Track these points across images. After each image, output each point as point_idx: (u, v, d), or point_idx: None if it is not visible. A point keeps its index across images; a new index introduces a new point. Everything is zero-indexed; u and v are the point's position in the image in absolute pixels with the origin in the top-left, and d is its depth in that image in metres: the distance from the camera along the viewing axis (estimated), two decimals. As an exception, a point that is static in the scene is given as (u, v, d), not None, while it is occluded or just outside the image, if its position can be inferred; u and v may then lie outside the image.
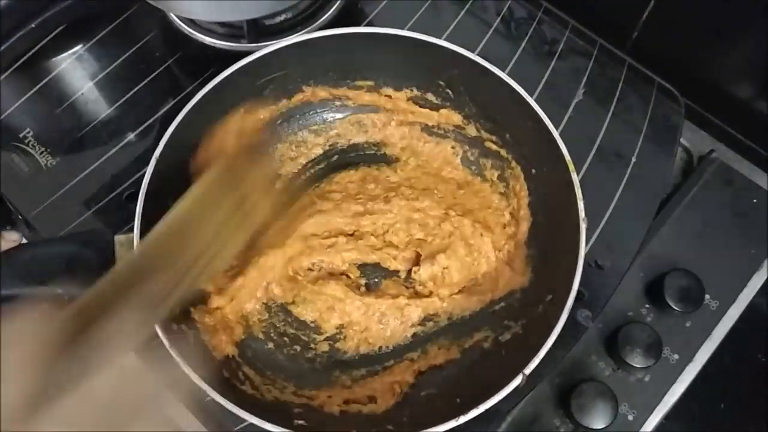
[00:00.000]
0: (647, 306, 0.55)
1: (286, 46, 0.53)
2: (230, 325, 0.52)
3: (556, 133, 0.50)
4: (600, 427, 0.49)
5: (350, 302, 0.53)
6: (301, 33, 0.65)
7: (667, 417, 0.52)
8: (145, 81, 0.64)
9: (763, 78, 0.62)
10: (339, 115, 0.61)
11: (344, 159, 0.61)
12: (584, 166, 0.59)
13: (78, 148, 0.61)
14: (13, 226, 0.60)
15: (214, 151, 0.49)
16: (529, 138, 0.53)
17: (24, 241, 0.56)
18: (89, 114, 0.63)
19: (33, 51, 0.66)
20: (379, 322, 0.54)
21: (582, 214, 0.47)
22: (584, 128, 0.61)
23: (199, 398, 0.49)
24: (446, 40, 0.53)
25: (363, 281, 0.56)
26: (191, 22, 0.67)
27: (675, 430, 0.53)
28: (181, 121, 0.50)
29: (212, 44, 0.66)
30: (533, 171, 0.55)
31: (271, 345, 0.53)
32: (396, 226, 0.56)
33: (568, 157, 0.49)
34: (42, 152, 0.60)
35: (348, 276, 0.55)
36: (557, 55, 0.66)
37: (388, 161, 0.61)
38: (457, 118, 0.59)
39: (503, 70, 0.52)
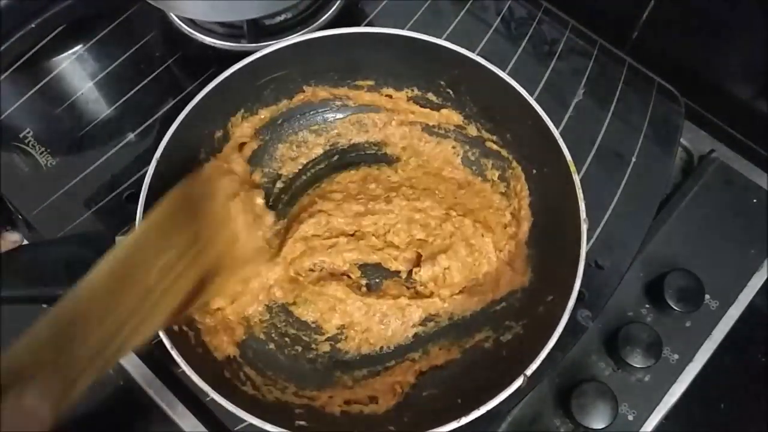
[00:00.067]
0: (647, 306, 0.55)
1: (287, 46, 0.53)
2: (231, 325, 0.52)
3: (556, 133, 0.50)
4: (600, 427, 0.49)
5: (351, 303, 0.53)
6: (301, 33, 0.65)
7: (667, 417, 0.52)
8: (145, 81, 0.64)
9: (763, 78, 0.62)
10: (340, 115, 0.61)
11: (345, 159, 0.61)
12: (584, 166, 0.59)
13: (78, 148, 0.61)
14: (13, 226, 0.60)
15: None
16: (529, 138, 0.53)
17: (24, 241, 0.55)
18: (89, 114, 0.63)
19: (33, 51, 0.65)
20: (380, 322, 0.54)
21: (583, 214, 0.47)
22: (584, 128, 0.61)
23: (200, 398, 0.49)
24: (446, 40, 0.53)
25: (364, 282, 0.56)
26: (191, 22, 0.67)
27: (675, 430, 0.53)
28: (182, 121, 0.50)
29: (212, 44, 0.66)
30: (534, 171, 0.55)
31: (272, 345, 0.53)
32: (397, 226, 0.56)
33: (569, 158, 0.49)
34: (42, 152, 0.60)
35: (349, 276, 0.55)
36: (557, 55, 0.66)
37: (389, 161, 0.61)
38: (457, 118, 0.59)
39: (503, 70, 0.52)
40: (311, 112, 0.61)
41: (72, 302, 0.35)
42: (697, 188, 0.60)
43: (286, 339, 0.54)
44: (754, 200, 0.60)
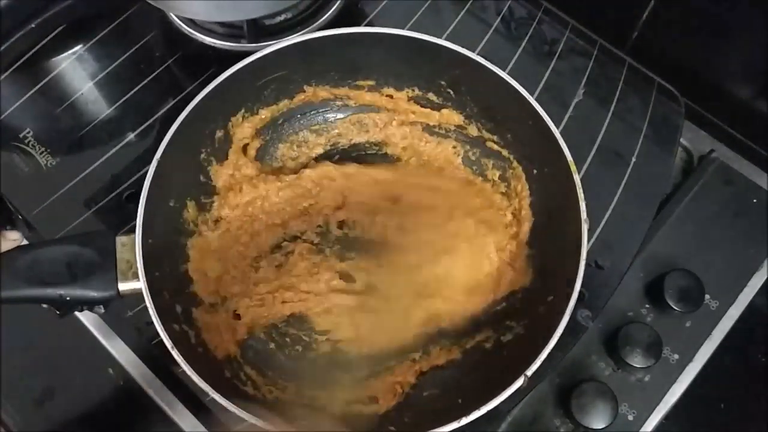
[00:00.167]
0: (647, 306, 0.55)
1: (287, 46, 0.53)
2: (232, 325, 0.52)
3: (557, 133, 0.50)
4: (600, 427, 0.49)
5: (352, 303, 0.53)
6: (301, 33, 0.65)
7: (667, 417, 0.52)
8: (145, 81, 0.64)
9: (763, 78, 0.62)
10: (340, 115, 0.61)
11: (345, 159, 0.61)
12: (584, 166, 0.59)
13: (78, 148, 0.61)
14: (13, 226, 0.60)
15: None
16: (530, 138, 0.53)
17: (24, 241, 0.55)
18: (89, 114, 0.63)
19: (33, 51, 0.65)
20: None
21: (584, 214, 0.47)
22: (584, 128, 0.61)
23: (200, 398, 0.49)
24: (446, 40, 0.53)
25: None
26: (191, 22, 0.67)
27: (675, 430, 0.53)
28: (183, 121, 0.50)
29: (212, 44, 0.66)
30: (535, 171, 0.55)
31: (272, 345, 0.53)
32: (397, 226, 0.56)
33: (569, 158, 0.49)
34: (42, 152, 0.60)
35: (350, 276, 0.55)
36: (557, 55, 0.66)
37: (390, 161, 0.61)
38: (458, 117, 0.58)
39: (503, 70, 0.52)
40: (312, 112, 0.61)
41: None
42: (697, 188, 0.60)
43: (287, 339, 0.54)
44: (754, 200, 0.60)
